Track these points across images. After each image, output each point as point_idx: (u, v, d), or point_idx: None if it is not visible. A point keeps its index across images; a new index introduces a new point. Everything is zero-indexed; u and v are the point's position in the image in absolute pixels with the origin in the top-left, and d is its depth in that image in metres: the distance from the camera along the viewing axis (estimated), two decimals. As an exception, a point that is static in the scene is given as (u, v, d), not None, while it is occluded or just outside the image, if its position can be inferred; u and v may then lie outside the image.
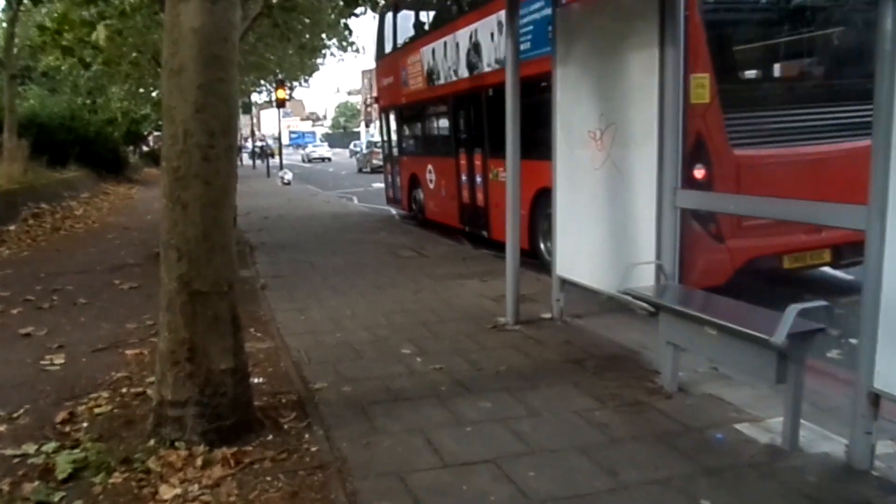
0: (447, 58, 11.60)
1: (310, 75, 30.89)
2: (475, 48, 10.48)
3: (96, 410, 4.24)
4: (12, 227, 12.23)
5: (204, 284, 3.56)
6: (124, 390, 4.61)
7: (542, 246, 8.93)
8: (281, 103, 28.36)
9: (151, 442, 3.65)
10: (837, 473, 3.38)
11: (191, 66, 3.46)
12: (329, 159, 57.26)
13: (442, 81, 11.97)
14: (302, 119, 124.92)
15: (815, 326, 3.53)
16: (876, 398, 3.25)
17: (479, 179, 11.02)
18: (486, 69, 10.21)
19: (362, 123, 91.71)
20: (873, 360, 3.21)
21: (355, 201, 20.37)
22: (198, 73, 3.46)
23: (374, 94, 17.43)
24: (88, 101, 27.07)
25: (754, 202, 4.30)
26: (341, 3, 11.12)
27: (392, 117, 15.30)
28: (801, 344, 3.52)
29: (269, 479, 3.37)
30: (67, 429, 4.01)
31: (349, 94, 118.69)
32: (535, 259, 8.91)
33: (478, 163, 11.03)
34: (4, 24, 19.35)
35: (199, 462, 3.45)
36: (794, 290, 7.41)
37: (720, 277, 6.27)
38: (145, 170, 33.67)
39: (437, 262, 9.48)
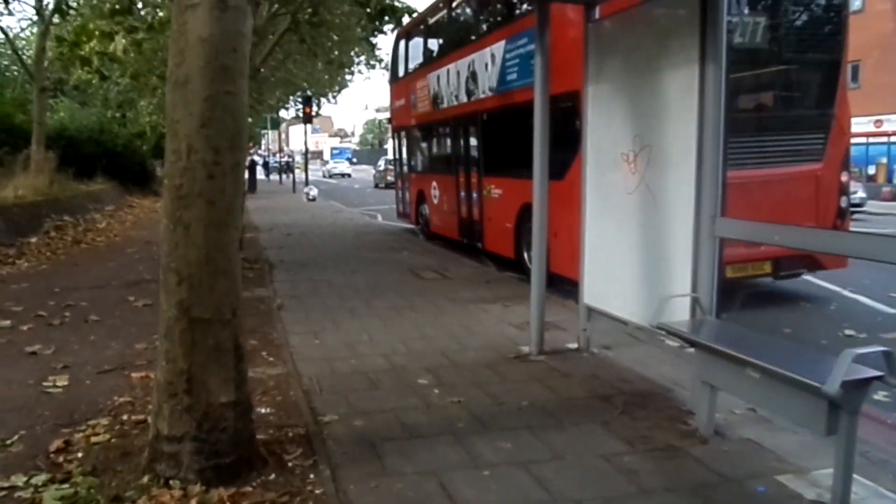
0: (449, 84, 12.70)
1: (338, 92, 31.00)
2: (472, 76, 11.58)
3: (93, 439, 4.01)
4: (34, 240, 12.16)
5: (205, 311, 3.32)
6: (125, 417, 4.38)
7: (525, 255, 9.98)
8: (308, 119, 28.29)
9: (145, 479, 3.39)
10: (896, 539, 3.05)
11: (197, 77, 3.23)
12: (349, 175, 59.33)
13: (445, 105, 13.08)
14: (330, 135, 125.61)
15: (872, 374, 3.19)
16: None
17: (475, 196, 12.03)
18: (481, 95, 11.30)
19: (389, 141, 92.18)
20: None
21: (379, 219, 20.17)
22: (204, 85, 3.23)
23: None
24: (118, 115, 27.32)
25: (802, 234, 3.98)
26: (365, 19, 10.95)
27: (403, 137, 16.44)
28: (856, 393, 3.19)
29: (267, 525, 3.10)
30: (61, 459, 3.77)
31: (377, 111, 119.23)
32: (519, 266, 10.12)
33: (474, 181, 12.07)
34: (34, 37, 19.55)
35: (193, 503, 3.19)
36: (838, 324, 7.07)
37: None
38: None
39: (459, 284, 9.20)
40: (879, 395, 4.88)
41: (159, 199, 25.55)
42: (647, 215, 5.02)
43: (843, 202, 8.42)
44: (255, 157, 49.04)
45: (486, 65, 10.96)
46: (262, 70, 17.82)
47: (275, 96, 27.20)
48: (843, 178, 8.39)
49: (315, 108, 31.17)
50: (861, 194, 17.45)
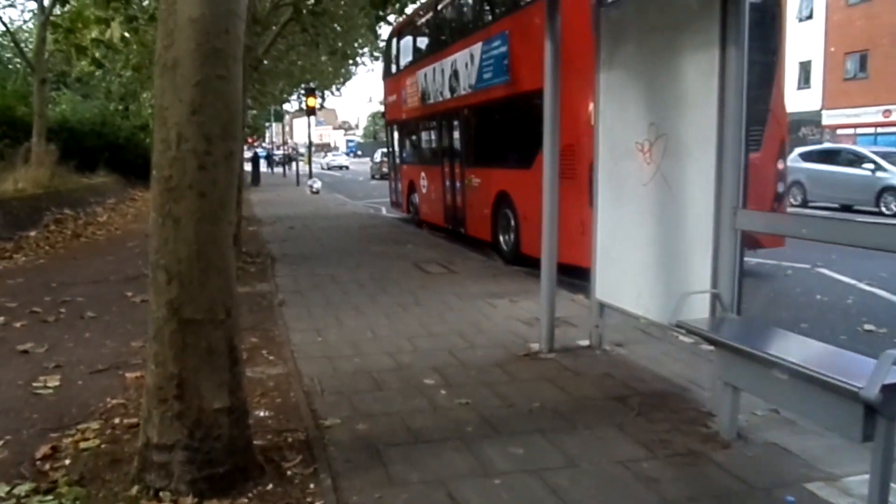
0: (435, 81, 13.65)
1: (342, 84, 30.82)
2: (455, 74, 12.54)
3: (82, 445, 3.80)
4: (33, 233, 11.98)
5: (197, 311, 3.10)
6: (117, 420, 4.17)
7: (501, 238, 11.16)
8: (311, 111, 28.07)
9: (134, 490, 3.19)
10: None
11: (187, 60, 3.01)
12: (347, 167, 61.72)
13: (431, 101, 14.08)
14: (335, 128, 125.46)
15: (913, 377, 2.96)
16: None
17: (458, 185, 13.03)
18: (462, 92, 12.25)
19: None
20: None
21: (383, 211, 19.95)
22: (195, 69, 3.01)
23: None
24: (121, 107, 27.14)
25: (828, 226, 3.75)
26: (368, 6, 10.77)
27: (395, 130, 17.70)
28: (892, 396, 2.96)
29: (263, 540, 2.89)
30: (47, 466, 3.56)
31: (381, 103, 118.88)
32: (496, 249, 11.33)
33: (457, 171, 13.08)
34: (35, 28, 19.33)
35: (184, 517, 2.98)
36: (857, 318, 6.84)
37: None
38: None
39: (465, 278, 8.98)
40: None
41: (162, 193, 25.41)
42: (663, 207, 4.78)
43: (780, 187, 9.56)
44: (259, 150, 49.07)
45: (467, 64, 11.91)
46: (264, 61, 17.63)
47: (278, 88, 26.99)
48: (780, 165, 9.42)
49: (319, 101, 30.97)
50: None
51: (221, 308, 3.15)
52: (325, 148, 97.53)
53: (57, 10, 14.09)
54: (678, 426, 4.12)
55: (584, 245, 6.61)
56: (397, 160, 17.64)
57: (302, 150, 56.68)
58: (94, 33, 8.11)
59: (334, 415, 4.26)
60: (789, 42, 35.35)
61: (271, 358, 5.48)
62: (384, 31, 18.44)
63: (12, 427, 4.11)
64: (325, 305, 7.40)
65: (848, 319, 7.12)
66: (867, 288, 8.55)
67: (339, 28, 17.15)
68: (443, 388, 4.77)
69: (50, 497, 3.19)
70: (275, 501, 3.18)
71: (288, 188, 31.35)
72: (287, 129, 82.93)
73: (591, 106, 6.70)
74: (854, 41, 32.19)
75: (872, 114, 31.60)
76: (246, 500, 3.16)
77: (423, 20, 15.17)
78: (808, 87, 35.29)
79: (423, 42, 15.64)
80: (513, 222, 10.65)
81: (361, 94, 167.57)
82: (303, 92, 28.95)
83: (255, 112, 42.16)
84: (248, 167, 36.12)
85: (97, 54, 9.78)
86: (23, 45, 22.76)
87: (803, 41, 34.44)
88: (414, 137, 16.51)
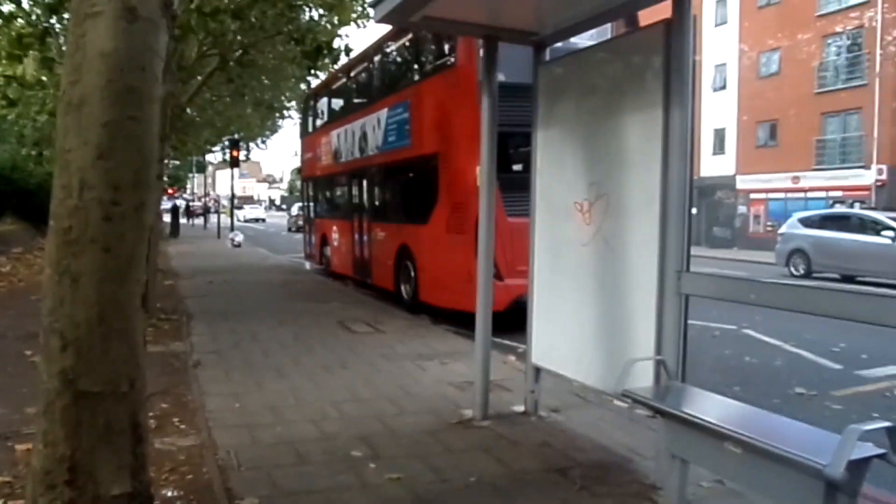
0: (347, 141, 14.72)
1: (269, 136, 30.42)
2: (363, 136, 13.61)
3: (-45, 535, 3.30)
4: (-76, 286, 11.07)
5: (95, 383, 2.69)
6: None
7: (402, 288, 11.92)
8: (235, 163, 27.52)
9: None
10: None
11: (96, 98, 2.67)
12: (263, 220, 64.75)
13: (343, 160, 15.14)
14: (258, 181, 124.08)
15: (875, 452, 2.81)
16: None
17: (365, 238, 13.98)
18: (370, 153, 13.30)
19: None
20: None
21: (307, 266, 19.49)
22: (104, 109, 2.68)
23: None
24: (34, 152, 25.98)
25: (779, 291, 3.64)
26: (300, 57, 10.62)
27: (310, 186, 18.81)
28: (857, 473, 2.80)
29: None
30: None
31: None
32: (397, 298, 11.96)
33: (365, 225, 14.04)
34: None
35: None
36: (787, 380, 6.81)
37: (499, 305, 8.02)
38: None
39: (393, 338, 8.65)
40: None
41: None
42: (604, 269, 4.62)
43: None
44: (178, 202, 48.07)
45: (374, 127, 13.01)
46: (188, 110, 17.18)
47: (202, 138, 26.37)
48: None
49: (244, 153, 30.48)
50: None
51: (124, 379, 2.76)
52: (249, 201, 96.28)
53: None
54: (624, 501, 3.89)
55: (471, 292, 7.56)
56: (312, 214, 18.63)
57: (224, 202, 56.05)
58: (8, 71, 7.60)
59: (252, 493, 3.84)
60: (705, 110, 36.93)
61: (183, 427, 5.01)
62: (315, 83, 18.55)
63: None
64: (244, 367, 6.94)
65: (778, 382, 7.11)
66: (793, 350, 8.63)
67: (266, 81, 17.08)
68: (372, 461, 4.41)
69: None
70: None
71: (208, 240, 30.49)
72: (210, 180, 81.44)
73: (477, 167, 7.93)
74: (765, 111, 33.84)
75: (782, 180, 33.06)
76: None
77: (338, 85, 16.36)
78: (723, 153, 36.82)
79: (336, 104, 16.83)
80: (412, 273, 11.48)
81: (287, 147, 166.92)
82: (227, 143, 28.39)
83: (177, 162, 41.21)
84: (167, 218, 35.15)
85: (9, 93, 9.21)
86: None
87: (718, 110, 36.07)
88: (327, 193, 17.44)
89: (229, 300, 11.98)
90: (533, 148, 5.46)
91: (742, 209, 36.02)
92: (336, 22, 12.28)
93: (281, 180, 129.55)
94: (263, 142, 30.66)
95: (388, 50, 13.08)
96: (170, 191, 50.47)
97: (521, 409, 5.58)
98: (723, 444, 3.27)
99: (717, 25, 36.44)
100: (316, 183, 18.15)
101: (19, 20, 8.52)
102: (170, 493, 3.79)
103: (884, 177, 29.11)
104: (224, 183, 76.00)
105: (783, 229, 21.10)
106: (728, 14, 35.93)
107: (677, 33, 3.95)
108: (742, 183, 35.58)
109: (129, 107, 2.71)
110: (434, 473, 4.23)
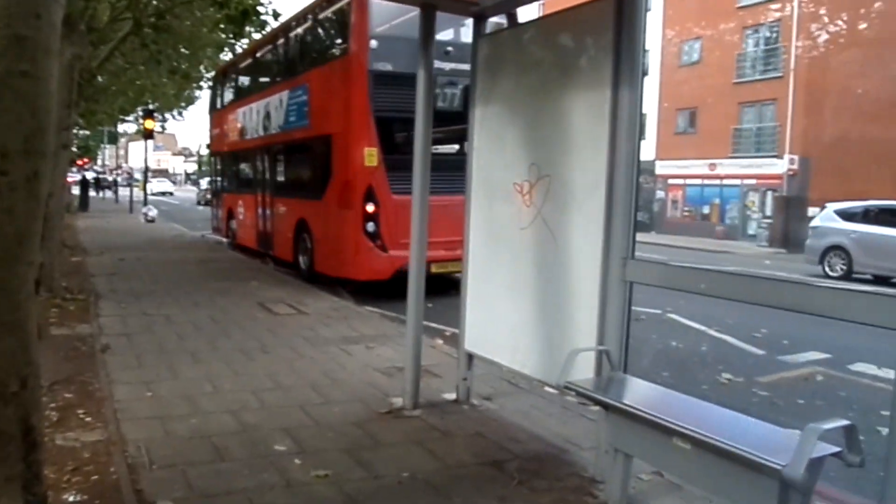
0: (252, 119, 15.41)
1: (185, 108, 29.25)
2: (267, 115, 14.30)
3: None
4: None
5: (-23, 382, 2.33)
6: None
7: (300, 259, 12.63)
8: (149, 134, 26.33)
9: None
10: None
11: (-23, 49, 2.28)
12: (171, 194, 64.87)
13: (248, 137, 15.76)
14: (174, 154, 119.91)
15: (831, 451, 2.70)
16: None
17: (268, 212, 14.63)
18: (273, 131, 14.03)
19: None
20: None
21: (225, 242, 18.83)
22: (-11, 62, 2.29)
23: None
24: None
25: (731, 281, 3.52)
26: (223, 23, 10.09)
27: (218, 161, 19.49)
28: (813, 471, 2.68)
29: None
30: None
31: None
32: (296, 268, 12.74)
33: (267, 200, 14.65)
34: None
35: None
36: (713, 367, 6.82)
37: (384, 275, 10.41)
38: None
39: (317, 320, 8.32)
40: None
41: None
42: (543, 254, 4.43)
43: None
44: (88, 174, 46.08)
45: (276, 107, 13.73)
46: (99, 77, 16.24)
47: (114, 107, 25.11)
48: None
49: (159, 124, 29.27)
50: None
51: (14, 377, 2.38)
52: (164, 174, 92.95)
53: None
54: (565, 496, 3.73)
55: (359, 263, 10.56)
56: (219, 189, 19.29)
57: (138, 175, 54.07)
58: None
59: (165, 496, 3.50)
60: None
61: (89, 420, 4.58)
62: (232, 56, 18.26)
63: None
64: (157, 352, 6.49)
65: (706, 369, 7.13)
66: (717, 335, 8.71)
67: (184, 50, 16.53)
68: (297, 456, 4.11)
69: None
70: None
71: (120, 215, 29.21)
72: (122, 152, 78.24)
73: (365, 149, 10.33)
74: (684, 99, 34.59)
75: (700, 166, 33.91)
76: None
77: (245, 64, 17.13)
78: (644, 139, 37.46)
79: (244, 83, 17.37)
80: (309, 245, 12.25)
81: (204, 120, 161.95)
82: (141, 113, 27.15)
83: (87, 133, 39.31)
84: (76, 191, 33.47)
85: None
86: None
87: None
88: (233, 169, 17.89)
89: (141, 279, 11.35)
90: (469, 125, 5.22)
91: (660, 194, 36.81)
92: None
93: (198, 153, 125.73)
94: (180, 113, 29.49)
95: (291, 35, 13.71)
96: (79, 162, 48.23)
97: (452, 396, 5.38)
98: (671, 439, 3.13)
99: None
100: (223, 158, 18.73)
101: None
102: (72, 499, 3.40)
103: (795, 166, 30.16)
104: (138, 155, 73.05)
105: (816, 222, 18.24)
106: (653, 0, 36.47)
107: (630, 7, 3.75)
108: (661, 168, 36.32)
109: (19, 60, 2.32)
110: (364, 469, 3.97)
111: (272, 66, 15.00)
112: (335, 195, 11.18)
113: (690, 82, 33.92)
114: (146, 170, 33.74)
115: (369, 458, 4.14)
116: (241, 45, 17.14)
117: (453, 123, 9.22)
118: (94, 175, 54.58)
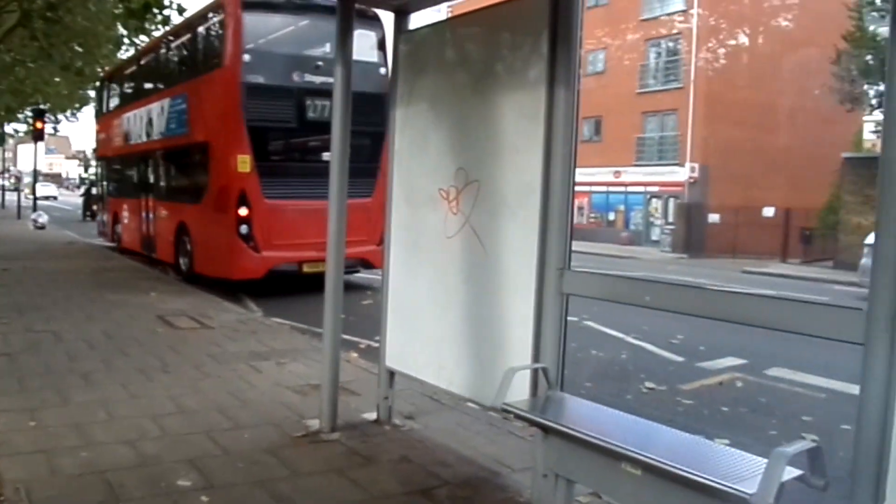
0: (136, 124, 15.83)
1: (79, 109, 27.82)
2: (150, 121, 14.82)
3: None
4: None
5: None
6: None
7: (180, 260, 13.14)
8: (39, 136, 24.78)
9: None
10: None
11: None
12: (55, 198, 64.21)
13: (132, 142, 16.21)
14: (67, 157, 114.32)
15: (794, 474, 2.53)
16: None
17: (151, 216, 15.07)
18: (155, 137, 14.57)
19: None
20: None
21: (111, 246, 17.90)
22: None
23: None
24: None
25: (677, 294, 3.33)
26: (124, 18, 9.49)
27: (104, 166, 19.95)
28: (777, 496, 2.50)
29: None
30: None
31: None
32: (177, 270, 13.23)
33: (151, 204, 15.08)
34: None
35: None
36: (635, 375, 6.73)
37: (257, 274, 11.28)
38: None
39: (223, 334, 7.81)
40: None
41: None
42: (472, 264, 4.15)
43: None
44: None
45: (158, 114, 14.26)
46: (-19, 73, 15.15)
47: (0, 106, 23.56)
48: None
49: (51, 126, 27.69)
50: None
51: None
52: (57, 179, 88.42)
53: None
54: (500, 528, 3.45)
55: (234, 263, 11.31)
56: (105, 193, 19.64)
57: (27, 178, 51.37)
58: None
59: (47, 548, 3.03)
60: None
61: (-42, 456, 4.02)
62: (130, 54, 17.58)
63: None
64: (43, 374, 5.86)
65: (628, 377, 7.06)
66: (636, 342, 8.69)
67: (77, 48, 15.93)
68: (203, 492, 3.68)
69: None
70: None
71: (6, 221, 27.40)
72: (10, 154, 73.95)
73: (238, 156, 11.09)
74: (590, 107, 35.23)
75: (605, 174, 34.62)
76: None
77: (129, 70, 17.60)
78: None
79: (128, 89, 17.72)
80: (189, 247, 12.79)
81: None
82: (31, 113, 25.57)
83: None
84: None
85: None
86: None
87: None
88: (118, 173, 18.31)
89: (28, 291, 10.49)
90: (391, 127, 4.91)
91: (567, 201, 37.41)
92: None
93: (85, 156, 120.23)
94: (73, 114, 28.08)
95: (172, 45, 14.46)
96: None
97: (373, 416, 5.03)
98: (619, 464, 2.91)
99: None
100: (109, 163, 19.25)
101: None
102: (-70, 557, 2.90)
103: (696, 174, 31.21)
104: (27, 158, 69.14)
105: (870, 239, 17.63)
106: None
107: (566, 2, 3.53)
108: (568, 175, 36.92)
109: None
110: (281, 505, 3.59)
111: (155, 74, 15.47)
112: (212, 199, 11.87)
113: (596, 91, 34.63)
114: (35, 174, 31.72)
115: (286, 491, 3.75)
116: (143, 41, 16.38)
117: (325, 133, 9.14)
118: None
